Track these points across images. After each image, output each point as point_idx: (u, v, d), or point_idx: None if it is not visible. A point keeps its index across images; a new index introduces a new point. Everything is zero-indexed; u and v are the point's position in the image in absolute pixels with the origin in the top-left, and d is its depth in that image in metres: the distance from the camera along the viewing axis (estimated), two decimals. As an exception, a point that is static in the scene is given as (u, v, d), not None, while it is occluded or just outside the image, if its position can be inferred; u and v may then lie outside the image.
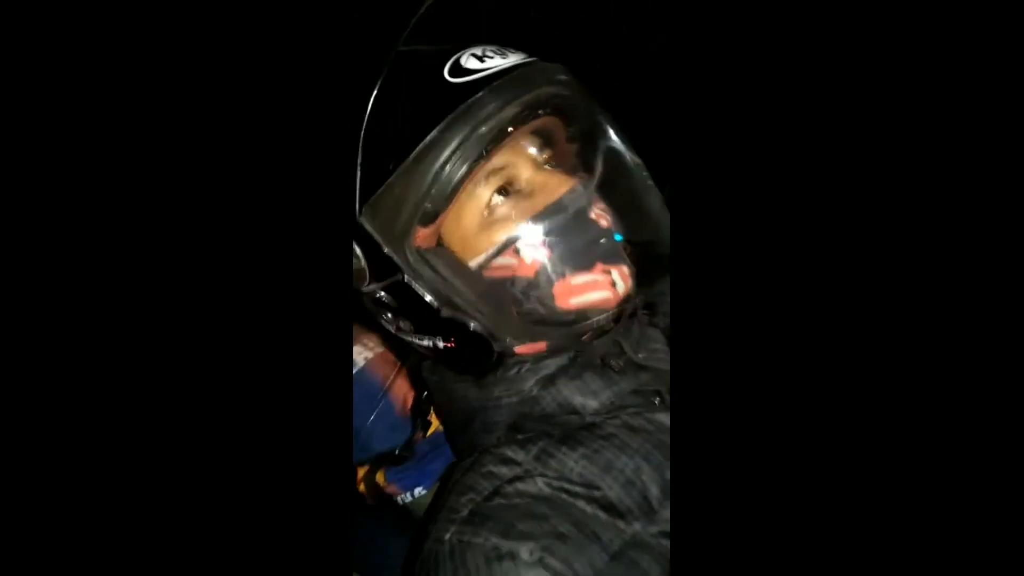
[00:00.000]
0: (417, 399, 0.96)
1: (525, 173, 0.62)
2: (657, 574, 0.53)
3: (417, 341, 0.67)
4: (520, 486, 0.57)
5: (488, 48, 0.60)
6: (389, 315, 0.67)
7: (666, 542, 0.55)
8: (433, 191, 0.57)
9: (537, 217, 0.60)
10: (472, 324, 0.60)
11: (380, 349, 0.94)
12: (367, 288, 0.63)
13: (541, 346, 0.64)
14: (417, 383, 0.96)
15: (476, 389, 0.67)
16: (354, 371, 0.92)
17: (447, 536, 0.56)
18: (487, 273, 0.61)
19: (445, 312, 0.60)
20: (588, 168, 0.67)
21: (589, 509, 0.56)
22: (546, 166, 0.64)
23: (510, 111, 0.57)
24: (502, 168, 0.61)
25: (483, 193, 0.61)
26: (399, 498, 1.00)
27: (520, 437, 0.62)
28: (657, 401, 0.64)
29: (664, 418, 0.62)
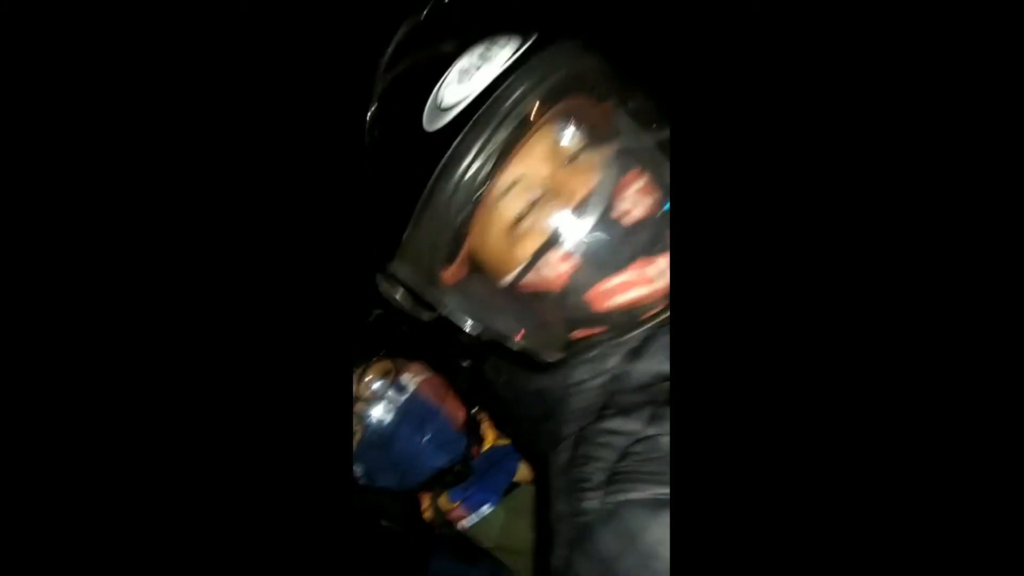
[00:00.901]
0: (468, 415, 1.00)
1: (543, 171, 0.58)
2: None
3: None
4: (647, 445, 0.54)
5: (475, 52, 0.58)
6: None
7: None
8: (443, 238, 0.57)
9: (558, 228, 0.57)
10: (514, 346, 0.60)
11: (428, 374, 1.00)
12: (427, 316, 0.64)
13: (599, 330, 0.62)
14: (467, 401, 1.01)
15: (553, 377, 0.64)
16: (406, 396, 0.97)
17: (591, 505, 0.52)
18: (519, 291, 0.60)
19: (486, 336, 0.60)
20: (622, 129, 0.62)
21: None
22: (569, 155, 0.59)
23: (492, 146, 0.54)
24: (515, 182, 0.58)
25: (503, 209, 0.58)
26: (463, 522, 1.03)
27: (621, 410, 0.59)
28: None
29: None
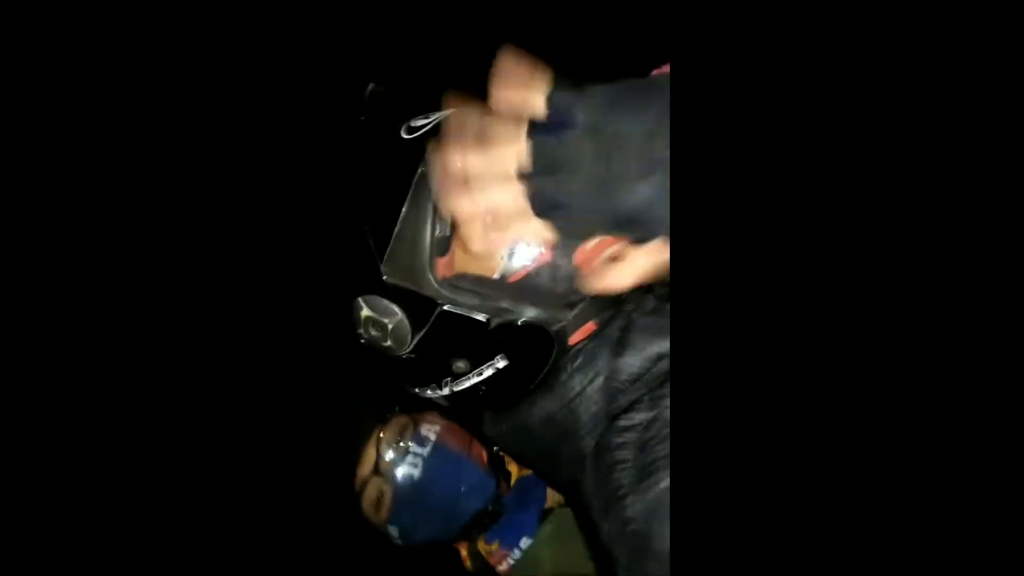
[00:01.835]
0: (491, 453, 1.00)
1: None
2: None
3: (477, 380, 0.67)
4: (658, 426, 0.57)
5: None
6: (445, 379, 0.67)
7: None
8: (430, 230, 0.59)
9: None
10: (522, 321, 0.62)
11: (444, 421, 1.00)
12: (406, 353, 0.64)
13: (591, 327, 0.65)
14: (485, 440, 1.01)
15: (551, 397, 0.66)
16: (429, 447, 0.96)
17: (634, 509, 0.54)
18: (514, 278, 0.62)
19: (494, 322, 0.62)
20: None
21: None
22: None
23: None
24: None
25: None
26: (506, 561, 1.02)
27: (625, 405, 0.62)
28: None
29: None
